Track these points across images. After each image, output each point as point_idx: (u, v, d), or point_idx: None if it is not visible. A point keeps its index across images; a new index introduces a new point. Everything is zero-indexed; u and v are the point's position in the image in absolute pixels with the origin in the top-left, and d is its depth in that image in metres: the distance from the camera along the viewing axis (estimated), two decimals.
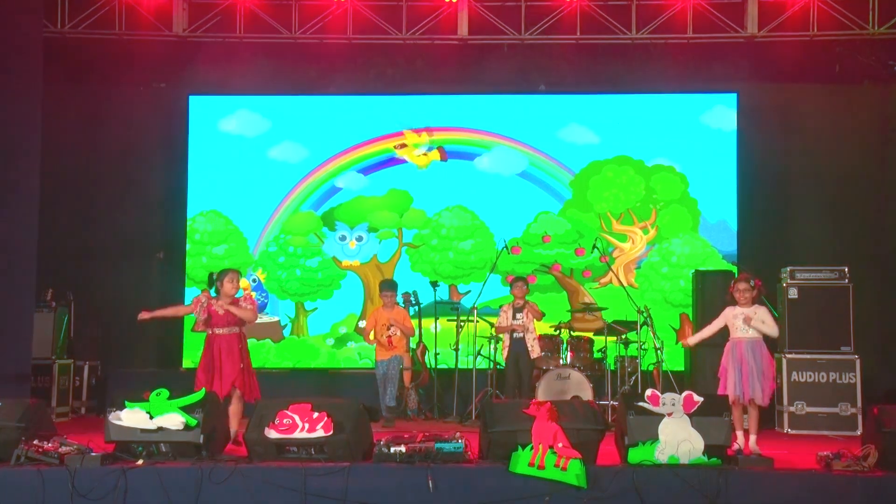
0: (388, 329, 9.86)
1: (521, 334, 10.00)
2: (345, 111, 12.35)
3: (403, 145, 12.14)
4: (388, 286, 10.21)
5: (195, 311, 8.01)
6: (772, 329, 7.84)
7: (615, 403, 9.59)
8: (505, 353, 10.09)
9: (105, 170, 12.20)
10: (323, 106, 12.42)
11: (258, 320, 9.88)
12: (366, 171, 12.25)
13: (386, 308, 10.02)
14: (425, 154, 12.17)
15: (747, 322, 7.74)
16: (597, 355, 10.51)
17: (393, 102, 12.37)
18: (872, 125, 11.94)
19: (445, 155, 12.19)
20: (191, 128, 12.26)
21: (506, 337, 10.10)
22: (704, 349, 9.68)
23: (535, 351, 10.02)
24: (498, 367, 10.43)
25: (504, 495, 6.23)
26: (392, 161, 12.25)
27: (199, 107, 12.34)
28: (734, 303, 7.94)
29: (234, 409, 7.94)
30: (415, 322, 10.81)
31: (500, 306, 10.37)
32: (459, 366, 10.73)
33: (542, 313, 10.26)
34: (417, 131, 12.19)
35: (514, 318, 10.08)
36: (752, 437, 7.81)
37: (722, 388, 7.85)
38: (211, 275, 8.16)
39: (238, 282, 8.06)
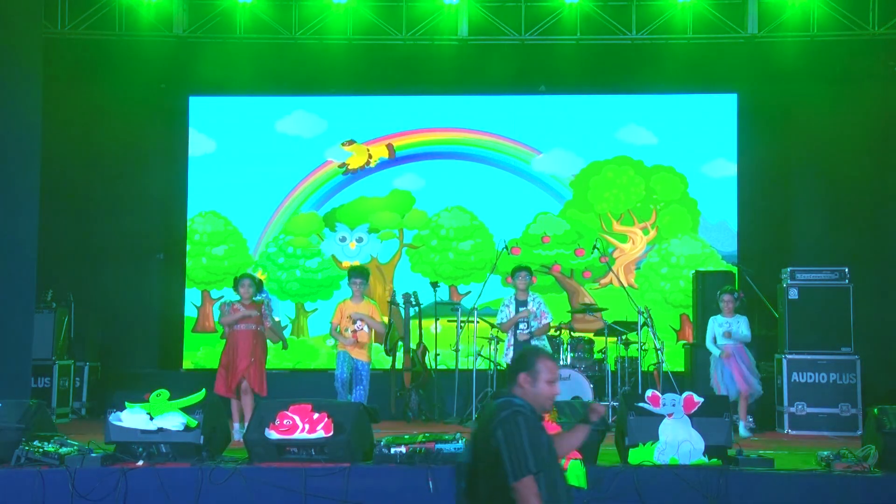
0: (354, 323, 9.08)
1: (526, 330, 9.32)
2: (345, 111, 12.35)
3: (352, 142, 12.15)
4: (357, 273, 9.36)
5: (226, 312, 8.92)
6: (745, 338, 9.36)
7: (616, 404, 9.59)
8: (508, 354, 9.47)
9: (105, 170, 12.20)
10: (323, 106, 12.42)
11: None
12: (367, 171, 12.26)
13: (354, 299, 9.21)
14: (373, 150, 12.20)
15: (726, 337, 9.28)
16: (597, 356, 10.51)
17: (393, 103, 12.37)
18: (872, 125, 11.92)
19: (393, 153, 12.18)
20: (247, 129, 12.34)
21: (509, 336, 9.51)
22: (705, 350, 9.70)
23: None
24: (498, 367, 10.40)
25: None
26: (395, 161, 12.25)
27: (257, 107, 12.42)
28: (719, 311, 9.47)
29: (246, 401, 8.60)
30: (414, 323, 10.82)
31: (503, 301, 9.80)
32: (460, 367, 10.72)
33: (549, 324, 9.63)
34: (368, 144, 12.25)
35: (516, 312, 9.49)
36: (742, 424, 8.95)
37: (718, 389, 9.11)
38: (235, 279, 9.12)
39: (249, 287, 8.80)
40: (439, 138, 12.28)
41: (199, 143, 12.31)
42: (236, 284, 8.97)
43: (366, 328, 9.10)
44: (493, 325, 10.53)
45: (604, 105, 12.29)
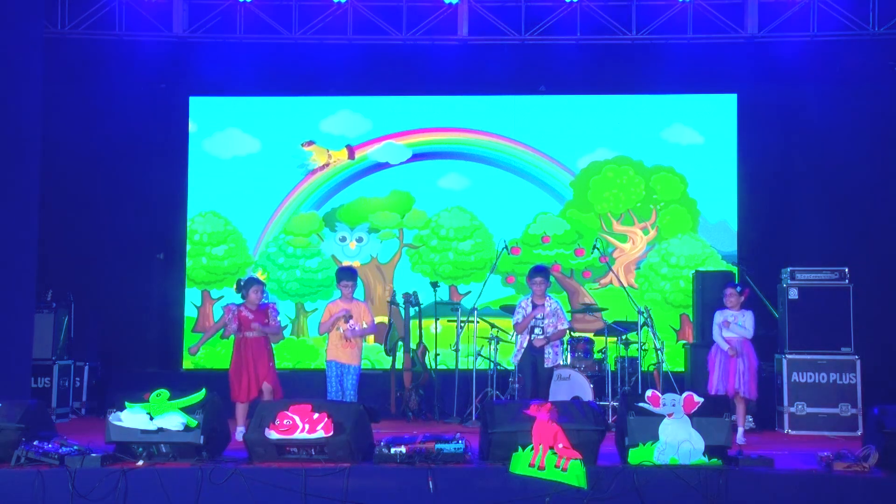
0: (346, 322, 8.71)
1: (541, 336, 8.85)
2: (344, 111, 12.35)
3: (311, 142, 12.16)
4: (346, 275, 8.97)
5: (227, 321, 8.71)
6: (749, 332, 8.95)
7: (615, 404, 9.59)
8: (518, 355, 8.98)
9: (105, 170, 12.19)
10: (322, 106, 12.42)
11: None
12: (368, 171, 12.27)
13: (344, 300, 8.85)
14: (333, 152, 12.21)
15: (725, 326, 8.94)
16: (597, 356, 10.51)
17: (392, 103, 12.38)
18: (872, 125, 11.92)
19: (353, 155, 12.19)
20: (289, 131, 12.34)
21: (521, 337, 9.02)
22: (705, 350, 9.69)
23: (549, 359, 8.89)
24: (498, 367, 10.41)
25: (504, 496, 6.22)
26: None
27: (303, 108, 12.39)
28: (723, 306, 9.14)
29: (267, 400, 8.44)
30: (414, 323, 10.83)
31: (518, 302, 9.31)
32: (460, 367, 10.72)
33: (566, 329, 9.18)
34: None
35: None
36: (740, 430, 8.66)
37: (711, 383, 8.87)
38: (238, 281, 8.94)
39: (262, 293, 8.73)
40: (439, 138, 12.28)
41: (243, 143, 12.32)
42: (246, 288, 8.71)
43: (357, 327, 8.74)
44: (493, 325, 10.55)
45: (604, 105, 12.29)
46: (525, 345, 8.95)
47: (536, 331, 8.91)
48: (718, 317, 9.06)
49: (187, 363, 12.01)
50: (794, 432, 9.65)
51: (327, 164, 12.20)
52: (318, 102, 12.40)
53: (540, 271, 9.09)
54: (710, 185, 12.03)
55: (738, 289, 9.17)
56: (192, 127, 12.37)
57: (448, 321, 11.15)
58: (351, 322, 8.70)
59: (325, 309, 8.98)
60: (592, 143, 12.16)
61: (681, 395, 6.73)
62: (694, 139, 12.08)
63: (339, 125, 12.30)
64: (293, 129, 12.31)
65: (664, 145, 12.10)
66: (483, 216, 12.17)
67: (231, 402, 8.54)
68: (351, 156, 12.21)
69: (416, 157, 12.29)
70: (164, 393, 6.75)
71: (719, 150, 12.02)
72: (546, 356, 8.89)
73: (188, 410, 6.68)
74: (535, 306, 8.97)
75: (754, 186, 11.95)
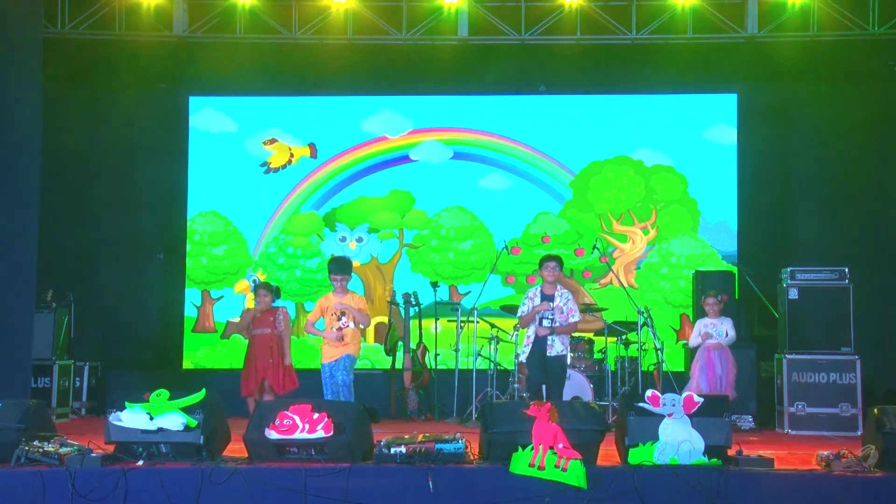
0: (339, 319, 8.30)
1: (548, 325, 8.50)
2: (345, 112, 12.36)
3: (274, 140, 12.17)
4: (339, 268, 8.43)
5: (247, 322, 9.33)
6: (731, 339, 9.58)
7: (615, 404, 9.60)
8: (526, 351, 8.64)
9: (105, 170, 12.21)
10: (322, 106, 12.42)
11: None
12: (368, 171, 12.27)
13: (337, 294, 8.39)
14: (295, 150, 12.26)
15: (705, 338, 9.51)
16: (597, 356, 10.51)
17: (393, 103, 12.37)
18: (872, 125, 11.94)
19: (315, 153, 12.19)
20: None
21: (528, 331, 8.66)
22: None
23: (553, 347, 8.49)
24: (498, 367, 10.41)
25: (504, 496, 6.21)
26: (394, 161, 12.27)
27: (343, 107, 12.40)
28: (704, 314, 9.70)
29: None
30: (414, 323, 10.82)
31: (526, 293, 8.95)
32: (460, 367, 10.72)
33: (577, 323, 8.76)
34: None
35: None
36: None
37: (694, 386, 9.27)
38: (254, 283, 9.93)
39: (268, 297, 9.19)
40: (439, 138, 12.28)
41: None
42: (255, 292, 9.60)
43: (352, 324, 8.33)
44: (493, 325, 10.54)
45: (604, 105, 12.30)
46: (533, 338, 8.60)
47: (545, 322, 8.53)
48: (699, 326, 9.70)
49: (187, 363, 12.02)
50: (794, 432, 9.65)
51: (289, 162, 12.22)
52: (308, 102, 12.42)
53: (554, 257, 8.76)
54: (710, 185, 12.03)
55: (719, 297, 9.66)
56: (232, 127, 12.38)
57: (448, 321, 11.14)
58: (343, 320, 8.35)
59: (315, 304, 8.65)
60: (592, 142, 12.16)
61: (681, 395, 6.73)
62: (694, 139, 12.08)
63: (296, 124, 12.37)
64: (335, 129, 12.31)
65: (664, 145, 12.10)
66: (483, 216, 12.17)
67: (236, 401, 8.69)
68: (313, 154, 12.23)
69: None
70: (164, 393, 6.74)
71: (719, 150, 12.02)
72: (549, 343, 8.53)
73: (188, 410, 6.67)
74: (544, 297, 8.57)
75: (754, 186, 11.96)
